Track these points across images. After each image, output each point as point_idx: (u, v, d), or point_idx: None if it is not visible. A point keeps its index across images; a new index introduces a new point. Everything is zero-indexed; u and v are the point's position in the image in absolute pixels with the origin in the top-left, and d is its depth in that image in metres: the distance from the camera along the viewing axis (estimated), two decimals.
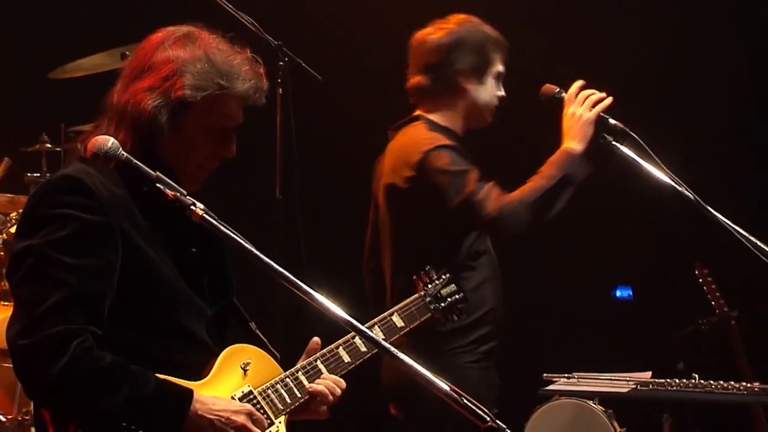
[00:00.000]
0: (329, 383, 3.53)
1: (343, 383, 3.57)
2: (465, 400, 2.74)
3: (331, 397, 3.53)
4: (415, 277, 4.05)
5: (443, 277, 4.06)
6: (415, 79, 4.82)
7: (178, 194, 3.11)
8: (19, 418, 5.55)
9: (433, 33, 4.78)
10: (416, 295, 3.97)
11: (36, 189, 3.40)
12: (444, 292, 4.03)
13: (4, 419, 5.49)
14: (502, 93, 4.76)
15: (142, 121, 3.30)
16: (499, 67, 4.74)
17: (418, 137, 4.74)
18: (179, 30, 3.42)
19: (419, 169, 4.66)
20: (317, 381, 3.52)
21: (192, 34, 3.40)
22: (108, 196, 3.21)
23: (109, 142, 3.16)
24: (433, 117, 4.81)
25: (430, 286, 4.02)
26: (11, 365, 5.43)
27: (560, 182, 4.48)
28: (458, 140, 4.78)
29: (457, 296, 4.07)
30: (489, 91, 4.73)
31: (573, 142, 4.40)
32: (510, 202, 4.53)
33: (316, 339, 3.61)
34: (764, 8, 6.85)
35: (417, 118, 4.83)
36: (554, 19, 6.98)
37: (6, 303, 5.85)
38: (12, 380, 5.55)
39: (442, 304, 4.02)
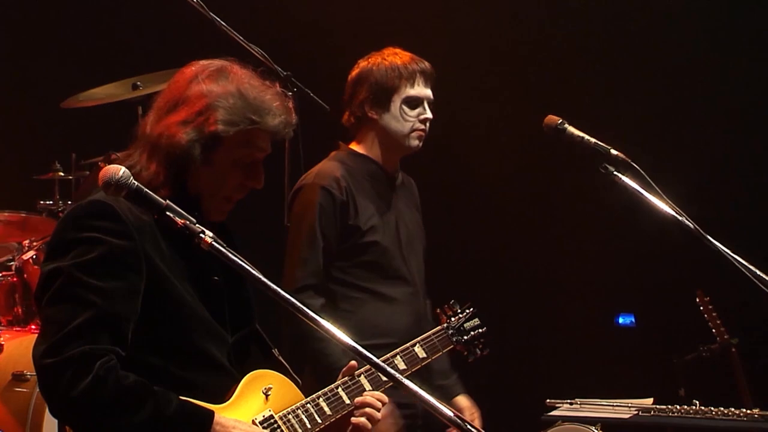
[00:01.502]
0: (371, 399, 3.53)
1: (386, 399, 3.55)
2: (469, 426, 2.73)
3: (378, 409, 3.53)
4: (438, 310, 4.05)
5: (467, 311, 4.07)
6: (343, 116, 4.97)
7: (188, 222, 3.11)
8: None
9: (350, 73, 4.97)
10: (439, 327, 3.98)
11: (66, 212, 3.42)
12: (467, 325, 4.05)
13: None
14: (424, 116, 4.82)
15: (176, 154, 3.31)
16: (410, 91, 4.80)
17: (315, 168, 4.91)
18: (212, 64, 3.43)
19: (290, 198, 4.93)
20: (364, 394, 3.52)
21: (225, 69, 3.42)
22: (135, 222, 3.23)
23: (121, 171, 3.15)
24: (353, 146, 4.94)
25: (453, 319, 4.03)
26: (22, 389, 5.54)
27: None
28: (377, 167, 4.89)
29: (480, 330, 4.08)
30: (397, 117, 4.80)
31: None
32: None
33: (353, 363, 3.61)
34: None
35: (338, 147, 4.98)
36: (557, 50, 7.00)
37: (18, 328, 5.85)
38: (23, 405, 5.54)
39: (465, 338, 4.03)
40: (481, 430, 2.73)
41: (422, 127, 4.84)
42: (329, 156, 4.94)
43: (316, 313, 4.43)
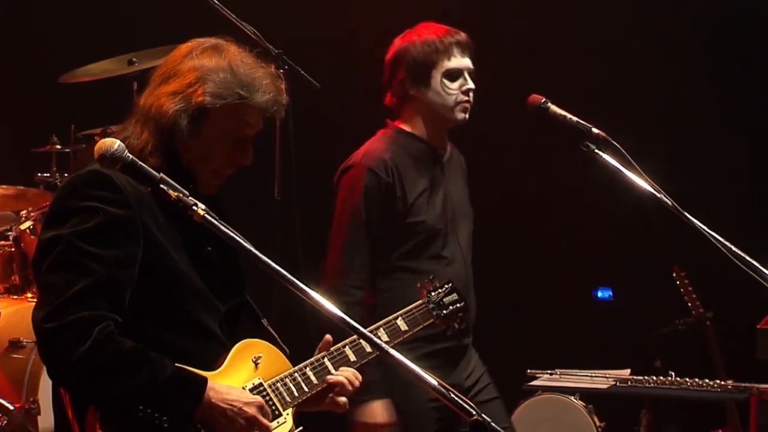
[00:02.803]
0: (349, 375, 3.54)
1: (360, 376, 3.58)
2: (452, 395, 2.73)
3: (350, 388, 3.54)
4: (419, 285, 4.04)
5: (446, 286, 4.07)
6: (385, 97, 4.87)
7: (181, 195, 3.10)
8: (26, 407, 5.54)
9: (387, 54, 4.84)
10: (420, 302, 3.97)
11: (65, 182, 3.42)
12: (446, 300, 4.04)
13: (11, 407, 5.48)
14: (466, 86, 4.73)
15: (163, 124, 3.32)
16: (448, 64, 4.71)
17: (363, 147, 4.82)
18: (208, 41, 3.44)
19: (337, 177, 4.83)
20: (339, 371, 3.53)
21: (219, 46, 3.42)
22: (132, 192, 3.23)
23: (116, 144, 3.15)
24: (402, 126, 4.82)
25: (433, 294, 4.02)
26: (18, 356, 5.54)
27: None
28: (424, 145, 4.79)
29: (458, 305, 4.07)
30: (439, 92, 4.73)
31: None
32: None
33: (328, 337, 3.61)
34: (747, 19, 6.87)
35: (386, 126, 4.87)
36: (542, 28, 6.99)
37: (15, 297, 5.85)
38: (20, 370, 5.55)
39: (444, 312, 4.02)
40: (464, 398, 2.73)
41: (465, 98, 4.72)
42: (376, 135, 4.84)
43: (355, 303, 4.58)
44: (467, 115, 4.75)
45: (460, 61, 4.73)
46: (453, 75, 4.71)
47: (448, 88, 4.69)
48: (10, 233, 5.96)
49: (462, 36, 4.76)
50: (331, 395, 3.55)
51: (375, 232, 4.68)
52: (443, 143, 4.88)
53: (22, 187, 5.94)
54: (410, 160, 4.75)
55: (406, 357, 4.45)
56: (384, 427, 4.54)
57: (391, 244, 4.72)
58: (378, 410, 4.56)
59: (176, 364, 3.21)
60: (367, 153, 4.75)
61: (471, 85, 4.73)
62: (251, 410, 3.27)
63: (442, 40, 4.71)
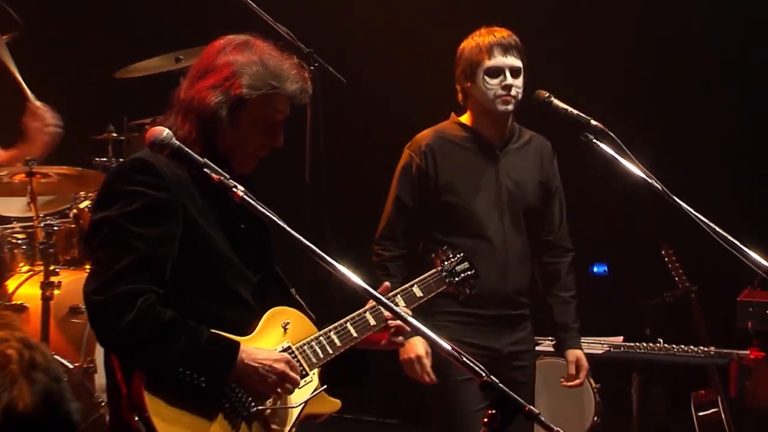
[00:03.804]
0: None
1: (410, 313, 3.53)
2: (464, 358, 2.71)
3: (408, 328, 3.47)
4: (434, 255, 4.02)
5: (458, 255, 4.04)
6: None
7: (222, 178, 3.10)
8: (84, 366, 5.55)
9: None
10: (434, 270, 3.94)
11: (113, 168, 3.41)
12: (458, 268, 4.00)
13: (71, 366, 5.49)
14: (506, 82, 4.71)
15: (205, 115, 3.30)
16: (489, 63, 4.71)
17: (421, 133, 4.86)
18: (238, 38, 3.41)
19: None
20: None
21: (249, 42, 3.39)
22: (172, 177, 3.20)
23: (164, 132, 3.14)
24: (459, 118, 4.86)
25: (446, 263, 3.99)
26: (77, 321, 5.54)
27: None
28: (476, 135, 4.80)
29: (469, 272, 4.04)
30: (481, 87, 4.73)
31: None
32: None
33: (387, 284, 3.64)
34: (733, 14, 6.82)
35: (448, 114, 4.91)
36: (544, 27, 6.95)
37: (75, 268, 5.85)
38: (78, 333, 5.55)
39: (456, 279, 3.99)
40: (474, 361, 2.70)
41: (503, 92, 4.69)
42: (437, 125, 4.88)
43: (385, 260, 4.66)
44: (509, 107, 4.72)
45: (500, 59, 4.71)
46: (493, 72, 4.70)
47: (489, 83, 4.70)
48: (70, 211, 5.97)
49: (508, 38, 4.76)
50: (389, 337, 3.57)
51: (408, 207, 4.75)
52: (498, 133, 4.83)
53: (80, 169, 5.93)
54: (453, 147, 4.78)
55: (444, 319, 4.53)
56: (425, 356, 4.56)
57: (427, 220, 4.75)
58: (416, 344, 4.57)
59: (212, 331, 3.19)
60: (413, 140, 4.83)
61: (510, 81, 4.69)
62: (280, 366, 3.26)
63: (486, 42, 4.74)
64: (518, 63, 4.74)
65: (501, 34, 4.76)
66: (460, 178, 4.75)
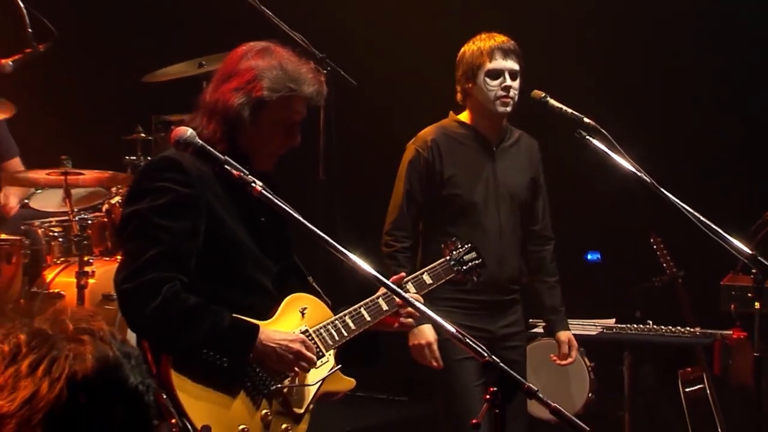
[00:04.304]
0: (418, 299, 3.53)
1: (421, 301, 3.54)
2: (468, 340, 2.71)
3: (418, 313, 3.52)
4: (443, 245, 4.02)
5: (466, 246, 4.04)
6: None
7: (242, 174, 3.10)
8: None
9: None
10: (443, 259, 3.94)
11: (143, 166, 3.43)
12: (466, 257, 4.00)
13: None
14: (505, 84, 4.71)
15: (229, 115, 3.31)
16: (489, 66, 4.71)
17: (423, 130, 4.85)
18: (259, 44, 3.42)
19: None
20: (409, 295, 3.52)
21: (269, 48, 3.40)
22: (197, 173, 3.22)
23: (188, 131, 3.15)
24: (458, 116, 4.85)
25: (455, 252, 3.99)
26: (110, 307, 5.56)
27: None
28: (475, 133, 4.79)
29: (476, 261, 4.03)
30: (482, 88, 4.72)
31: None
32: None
33: (402, 274, 3.67)
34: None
35: (448, 116, 4.90)
36: (539, 35, 6.95)
37: (107, 258, 5.87)
38: (111, 319, 5.54)
39: (464, 267, 3.98)
40: (477, 342, 2.70)
41: (503, 93, 4.68)
42: (437, 123, 4.87)
43: (396, 251, 4.64)
44: (508, 108, 4.71)
45: (501, 63, 4.71)
46: (494, 74, 4.70)
47: (489, 85, 4.70)
48: (103, 206, 5.98)
49: (507, 43, 4.75)
50: (401, 319, 3.56)
51: (415, 200, 4.73)
52: (497, 132, 4.83)
53: (113, 172, 5.94)
54: (455, 143, 4.78)
55: (447, 304, 4.53)
56: (434, 342, 4.57)
57: (431, 211, 4.75)
58: (426, 331, 4.57)
59: (233, 315, 3.20)
60: (417, 136, 4.82)
61: (510, 83, 4.69)
62: (296, 346, 3.27)
63: (487, 46, 4.73)
64: (516, 66, 4.74)
65: (501, 39, 4.77)
66: (463, 173, 4.75)
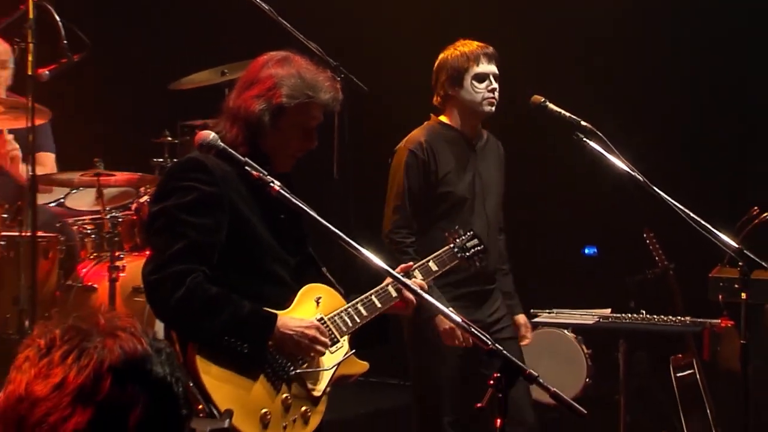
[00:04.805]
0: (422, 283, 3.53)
1: (426, 286, 3.56)
2: (473, 329, 2.70)
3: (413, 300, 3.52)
4: (447, 234, 4.01)
5: (468, 233, 4.03)
6: (433, 98, 4.88)
7: (261, 174, 3.11)
8: None
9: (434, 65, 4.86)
10: (447, 247, 3.94)
11: (170, 166, 3.43)
12: (469, 244, 3.99)
13: None
14: (491, 86, 4.73)
15: (251, 120, 3.31)
16: (476, 69, 4.72)
17: (409, 135, 4.82)
18: (279, 54, 3.42)
19: (390, 158, 4.82)
20: (412, 281, 3.51)
21: (288, 57, 3.40)
22: (220, 174, 3.22)
23: (210, 135, 3.17)
24: (441, 118, 4.84)
25: (458, 240, 3.98)
26: (139, 299, 5.56)
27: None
28: (458, 133, 4.79)
29: (478, 248, 4.02)
30: (470, 91, 4.72)
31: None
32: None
33: (410, 263, 3.66)
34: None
35: (429, 118, 4.88)
36: (541, 41, 6.93)
37: (137, 253, 5.87)
38: (140, 310, 5.56)
39: (467, 254, 3.98)
40: (481, 330, 2.69)
41: (490, 95, 4.71)
42: (421, 126, 4.86)
43: (406, 247, 4.62)
44: (493, 108, 4.74)
45: (486, 67, 4.73)
46: (480, 77, 4.71)
47: (477, 87, 4.71)
48: (133, 205, 5.99)
49: (489, 48, 4.77)
50: (406, 302, 3.54)
51: (415, 198, 4.70)
52: (476, 132, 4.86)
53: (141, 173, 5.95)
54: (444, 144, 4.76)
55: (441, 298, 4.52)
56: (457, 327, 4.56)
57: (427, 208, 4.73)
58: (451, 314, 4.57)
59: (252, 304, 3.20)
60: (409, 139, 4.79)
61: (495, 85, 4.72)
62: (311, 332, 3.27)
63: (472, 51, 4.74)
64: (497, 70, 4.76)
65: (481, 44, 4.79)
66: (453, 171, 4.75)
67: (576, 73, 6.65)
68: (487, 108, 4.73)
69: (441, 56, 4.81)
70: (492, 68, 4.74)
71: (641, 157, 4.22)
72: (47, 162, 6.07)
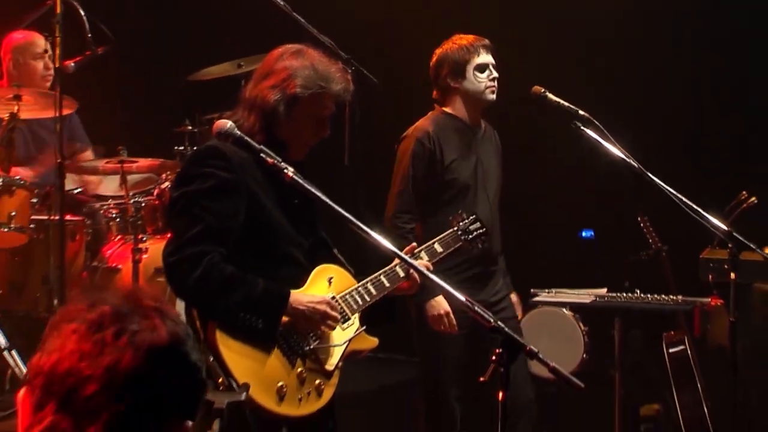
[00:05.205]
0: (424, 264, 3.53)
1: (431, 267, 3.54)
2: (476, 308, 2.71)
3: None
4: (450, 217, 4.02)
5: (471, 217, 4.04)
6: (433, 92, 4.89)
7: (276, 161, 3.12)
8: None
9: (430, 60, 4.85)
10: (451, 230, 3.95)
11: (190, 154, 3.44)
12: (471, 228, 4.00)
13: None
14: (492, 75, 4.74)
15: (266, 110, 3.32)
16: (477, 60, 4.73)
17: (415, 124, 4.83)
18: (293, 47, 3.43)
19: (397, 146, 4.84)
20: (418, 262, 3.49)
21: (302, 50, 3.41)
22: (238, 161, 3.22)
23: (228, 124, 3.17)
24: (445, 109, 4.84)
25: (461, 223, 3.99)
26: (160, 279, 5.57)
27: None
28: (462, 123, 4.80)
29: (480, 231, 4.03)
30: (473, 81, 4.72)
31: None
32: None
33: (413, 245, 3.65)
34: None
35: (433, 109, 4.90)
36: (542, 36, 6.91)
37: (159, 236, 5.88)
38: (161, 290, 5.57)
39: (470, 236, 3.98)
40: (484, 309, 2.70)
41: (492, 84, 4.74)
42: (426, 116, 4.86)
43: (406, 232, 4.64)
44: (494, 96, 4.77)
45: (486, 57, 4.76)
46: (482, 68, 4.73)
47: (479, 77, 4.73)
48: (155, 190, 6.00)
49: (485, 41, 4.80)
50: (409, 285, 3.55)
51: (421, 184, 4.71)
52: (478, 122, 4.88)
53: (163, 160, 5.96)
54: (449, 133, 4.77)
55: (446, 279, 4.52)
56: (449, 312, 4.56)
57: (433, 194, 4.74)
58: (442, 302, 4.58)
59: (266, 282, 3.21)
60: (416, 128, 4.80)
61: (495, 74, 4.76)
62: (322, 307, 3.28)
63: (472, 44, 4.76)
64: (494, 60, 4.76)
65: (477, 37, 4.80)
66: (458, 159, 4.77)
67: (577, 74, 6.61)
68: (490, 96, 4.75)
69: (439, 51, 4.81)
70: (490, 58, 4.78)
71: (641, 157, 4.21)
72: (89, 159, 6.10)
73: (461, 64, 4.72)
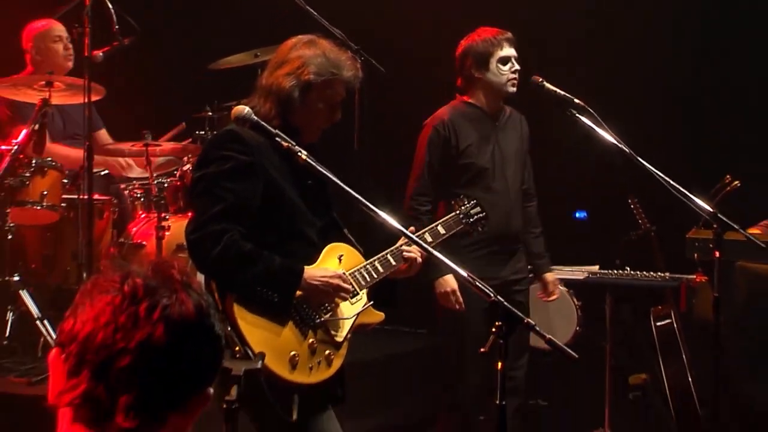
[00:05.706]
0: (417, 253, 3.51)
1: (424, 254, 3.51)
2: (477, 283, 2.71)
3: (419, 260, 3.51)
4: (453, 202, 4.01)
5: (472, 202, 4.02)
6: (456, 80, 4.86)
7: (290, 145, 3.11)
8: None
9: (456, 50, 4.81)
10: (453, 213, 3.94)
11: (210, 138, 3.43)
12: (472, 212, 3.99)
13: None
14: (514, 68, 4.71)
15: (282, 96, 3.31)
16: (501, 53, 4.69)
17: (435, 113, 4.80)
18: (306, 37, 3.43)
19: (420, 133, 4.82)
20: (411, 249, 3.49)
21: (314, 40, 3.41)
22: (255, 144, 3.22)
23: (245, 109, 3.17)
24: (466, 99, 4.82)
25: (463, 207, 3.98)
26: (182, 255, 5.57)
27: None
28: (481, 111, 4.77)
29: (480, 215, 4.02)
30: (496, 73, 4.68)
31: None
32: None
33: (413, 228, 3.59)
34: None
35: (455, 98, 4.87)
36: (540, 29, 6.87)
37: (181, 215, 5.88)
38: (183, 265, 5.56)
39: (471, 220, 3.98)
40: (485, 285, 2.69)
41: (514, 76, 4.71)
42: (447, 104, 4.85)
43: (421, 214, 4.65)
44: (515, 88, 4.74)
45: (509, 50, 4.73)
46: (504, 60, 4.70)
47: (502, 70, 4.70)
48: (177, 172, 6.00)
49: (509, 34, 4.77)
50: (406, 267, 3.52)
51: (434, 170, 4.72)
52: (498, 110, 4.85)
53: (185, 143, 5.95)
54: (465, 120, 4.76)
55: (468, 255, 4.51)
56: (457, 290, 4.55)
57: (450, 178, 4.73)
58: (450, 280, 4.58)
59: (282, 258, 3.21)
60: (434, 116, 4.80)
61: (517, 66, 4.72)
62: (335, 281, 3.28)
63: (495, 37, 4.73)
64: (516, 54, 4.72)
65: (501, 30, 4.75)
66: (474, 144, 4.75)
67: (578, 75, 6.58)
68: (511, 89, 4.73)
69: (464, 43, 4.77)
70: (513, 52, 4.74)
71: (629, 131, 4.18)
72: (104, 138, 6.11)
73: (485, 56, 4.69)
